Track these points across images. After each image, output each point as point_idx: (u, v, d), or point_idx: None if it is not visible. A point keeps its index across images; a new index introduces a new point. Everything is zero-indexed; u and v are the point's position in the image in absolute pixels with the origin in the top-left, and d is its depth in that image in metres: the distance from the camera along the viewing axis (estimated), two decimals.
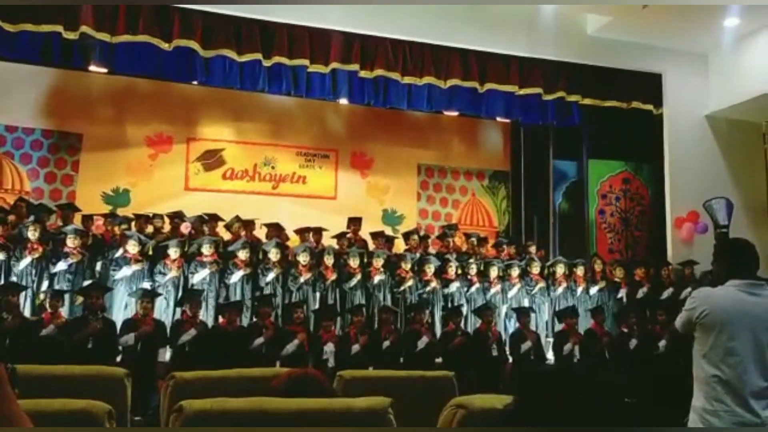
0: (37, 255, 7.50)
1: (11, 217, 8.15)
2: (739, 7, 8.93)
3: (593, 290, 9.28)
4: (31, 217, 8.05)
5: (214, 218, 9.05)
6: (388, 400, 1.87)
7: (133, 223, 8.69)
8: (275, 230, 9.13)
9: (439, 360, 7.52)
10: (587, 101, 10.10)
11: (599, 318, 8.24)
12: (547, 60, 9.80)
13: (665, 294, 9.27)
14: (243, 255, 8.11)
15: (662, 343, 7.93)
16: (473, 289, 8.89)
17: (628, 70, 10.18)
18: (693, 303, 3.03)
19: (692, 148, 10.32)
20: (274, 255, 8.17)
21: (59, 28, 7.84)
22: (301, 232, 9.30)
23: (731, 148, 10.55)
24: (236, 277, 8.03)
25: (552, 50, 9.72)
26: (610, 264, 9.85)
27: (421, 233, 10.33)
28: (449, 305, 8.62)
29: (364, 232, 9.81)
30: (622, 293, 9.35)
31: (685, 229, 10.05)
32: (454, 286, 8.78)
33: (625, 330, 8.19)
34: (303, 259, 8.21)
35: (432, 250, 9.88)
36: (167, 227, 8.99)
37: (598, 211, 10.94)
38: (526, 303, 8.94)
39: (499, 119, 11.51)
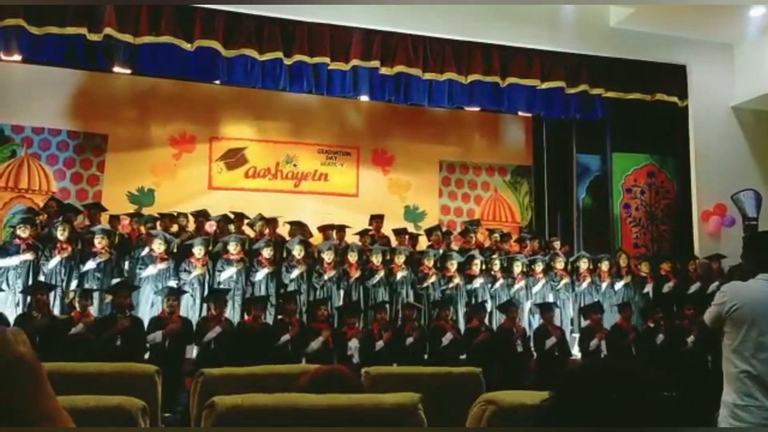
0: (66, 254, 7.62)
1: (41, 217, 8.30)
2: None
3: (618, 285, 9.18)
4: (60, 217, 8.17)
5: (240, 217, 9.12)
6: (418, 396, 1.87)
7: (158, 222, 8.79)
8: (298, 228, 9.18)
9: (463, 356, 7.50)
10: (610, 94, 10.01)
11: (626, 313, 8.16)
12: (570, 53, 9.72)
13: (692, 288, 9.13)
14: (267, 253, 8.17)
15: (690, 339, 7.84)
16: (497, 285, 8.85)
17: (652, 62, 10.05)
18: (722, 297, 3.00)
19: (718, 140, 10.17)
20: (298, 252, 8.21)
21: (83, 30, 7.95)
22: (325, 229, 9.33)
23: (758, 139, 10.37)
24: (261, 274, 8.09)
25: (574, 43, 9.63)
26: (636, 258, 9.74)
27: (444, 229, 10.31)
28: (473, 301, 8.59)
29: (387, 229, 9.82)
30: (648, 288, 9.23)
31: (711, 223, 9.91)
32: (477, 282, 8.75)
33: (652, 325, 8.10)
34: (327, 256, 8.24)
35: (455, 246, 9.86)
36: (192, 226, 9.09)
37: (623, 205, 10.81)
38: (550, 298, 8.88)
39: (521, 114, 11.44)
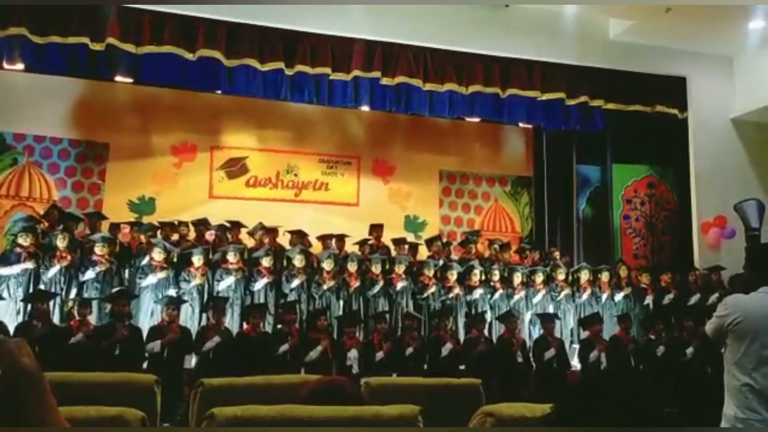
0: (65, 263, 7.62)
1: (42, 225, 8.31)
2: (764, 8, 8.81)
3: (618, 296, 9.17)
4: (60, 226, 8.18)
5: (237, 225, 9.12)
6: (418, 408, 1.88)
7: (158, 231, 8.79)
8: (298, 237, 9.18)
9: (462, 367, 7.48)
10: (611, 106, 10.03)
11: (625, 325, 8.15)
12: (570, 65, 9.75)
13: (692, 300, 9.13)
14: (266, 262, 8.16)
15: (690, 350, 7.83)
16: (497, 295, 8.84)
17: (652, 74, 10.08)
18: (725, 310, 2.99)
19: (718, 151, 10.18)
20: (298, 262, 8.21)
21: (86, 40, 7.99)
22: (324, 238, 9.33)
23: (758, 151, 10.40)
24: (260, 284, 8.08)
25: (574, 55, 9.67)
26: (636, 270, 9.73)
27: (444, 239, 10.31)
28: (472, 312, 8.58)
29: (387, 239, 9.81)
30: (649, 299, 9.22)
31: (711, 234, 9.91)
32: (477, 293, 8.74)
33: (652, 337, 8.09)
34: (327, 265, 8.24)
35: (454, 256, 9.85)
36: (192, 235, 9.08)
37: (623, 216, 10.82)
38: (551, 309, 8.86)
39: (521, 125, 11.46)
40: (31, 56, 8.13)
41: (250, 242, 9.16)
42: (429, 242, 9.82)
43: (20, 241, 7.59)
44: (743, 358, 2.86)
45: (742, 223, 9.67)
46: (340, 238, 9.36)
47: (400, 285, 8.49)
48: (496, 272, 8.97)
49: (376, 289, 8.38)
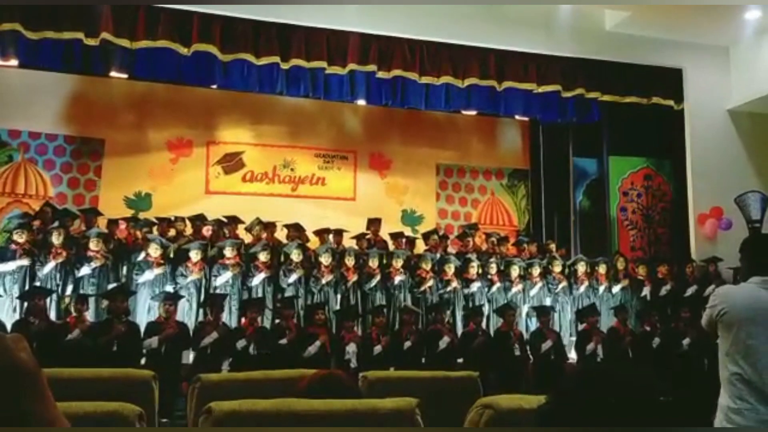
0: (61, 259, 7.58)
1: (36, 222, 8.28)
2: None
3: (616, 288, 9.19)
4: (56, 223, 8.15)
5: (234, 221, 9.11)
6: (415, 401, 1.88)
7: (155, 227, 8.77)
8: (295, 231, 9.17)
9: (460, 360, 7.50)
10: (607, 98, 10.03)
11: (622, 316, 8.18)
12: (566, 57, 9.74)
13: (689, 291, 9.16)
14: (264, 257, 8.15)
15: (686, 341, 7.86)
16: (494, 288, 8.86)
17: (648, 65, 10.07)
18: (713, 301, 3.02)
19: (715, 143, 10.19)
20: (296, 256, 8.20)
21: (80, 35, 7.94)
22: (321, 233, 9.33)
23: (754, 142, 10.40)
24: (258, 279, 8.08)
25: (570, 47, 9.66)
26: (633, 261, 9.75)
27: (441, 233, 10.31)
28: (470, 305, 8.60)
29: (384, 233, 9.82)
30: (646, 291, 9.25)
31: (708, 226, 9.93)
32: (474, 286, 8.76)
33: (648, 328, 8.11)
34: (325, 260, 8.24)
35: (452, 249, 9.87)
36: (189, 230, 9.07)
37: (620, 208, 10.84)
38: (548, 302, 8.89)
39: (517, 117, 11.45)
40: (25, 52, 8.09)
41: (247, 237, 9.15)
42: (426, 236, 9.83)
43: (15, 238, 7.56)
44: (732, 348, 2.88)
45: (740, 215, 9.69)
46: (338, 233, 9.35)
47: (397, 279, 8.49)
48: (494, 265, 8.98)
49: (374, 283, 8.39)
